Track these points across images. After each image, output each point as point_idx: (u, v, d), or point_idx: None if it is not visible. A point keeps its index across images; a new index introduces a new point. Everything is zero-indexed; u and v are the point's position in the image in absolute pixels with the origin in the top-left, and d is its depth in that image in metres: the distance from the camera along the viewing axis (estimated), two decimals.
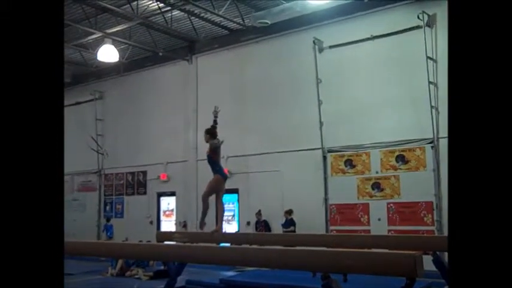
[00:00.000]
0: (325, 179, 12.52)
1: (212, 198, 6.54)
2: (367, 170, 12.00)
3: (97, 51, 14.52)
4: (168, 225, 15.65)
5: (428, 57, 10.96)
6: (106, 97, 17.82)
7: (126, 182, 16.96)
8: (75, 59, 16.74)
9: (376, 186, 11.81)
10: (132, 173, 16.78)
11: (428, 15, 11.04)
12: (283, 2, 12.14)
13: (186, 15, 13.52)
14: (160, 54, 15.40)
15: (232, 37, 14.57)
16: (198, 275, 10.01)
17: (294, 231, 11.57)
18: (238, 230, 13.68)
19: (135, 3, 12.50)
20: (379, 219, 11.63)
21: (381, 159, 11.81)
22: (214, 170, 6.49)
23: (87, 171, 17.81)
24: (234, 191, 13.97)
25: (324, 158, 12.54)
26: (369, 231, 11.51)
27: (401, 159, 11.54)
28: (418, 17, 11.02)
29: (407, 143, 11.46)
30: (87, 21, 13.44)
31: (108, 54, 14.42)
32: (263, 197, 13.27)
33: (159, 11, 13.14)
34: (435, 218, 10.95)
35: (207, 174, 6.98)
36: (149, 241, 9.37)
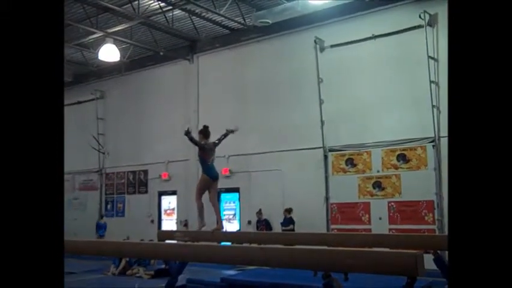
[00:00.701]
0: (326, 178, 12.53)
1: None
2: (368, 169, 12.01)
3: (98, 51, 14.55)
4: (169, 224, 15.67)
5: (429, 57, 10.97)
6: (107, 96, 17.84)
7: (127, 181, 16.99)
8: (76, 58, 16.77)
9: (377, 185, 11.81)
10: (133, 172, 16.81)
11: (430, 14, 11.04)
12: (285, 1, 12.13)
13: (187, 14, 13.52)
14: (162, 53, 15.41)
15: (233, 36, 14.56)
16: (199, 274, 10.02)
17: (293, 229, 11.56)
18: (240, 229, 13.68)
19: (136, 2, 12.51)
20: (380, 218, 11.63)
21: (382, 158, 11.81)
22: (202, 169, 6.79)
23: (88, 170, 17.85)
24: (235, 190, 14.01)
25: (325, 157, 12.55)
26: (369, 230, 11.50)
27: (402, 158, 11.53)
28: (420, 17, 11.02)
29: (408, 142, 11.46)
30: (88, 20, 13.45)
31: (109, 53, 14.45)
32: (264, 196, 13.28)
33: (160, 11, 13.16)
34: (436, 217, 10.95)
35: None
36: (151, 240, 9.37)
